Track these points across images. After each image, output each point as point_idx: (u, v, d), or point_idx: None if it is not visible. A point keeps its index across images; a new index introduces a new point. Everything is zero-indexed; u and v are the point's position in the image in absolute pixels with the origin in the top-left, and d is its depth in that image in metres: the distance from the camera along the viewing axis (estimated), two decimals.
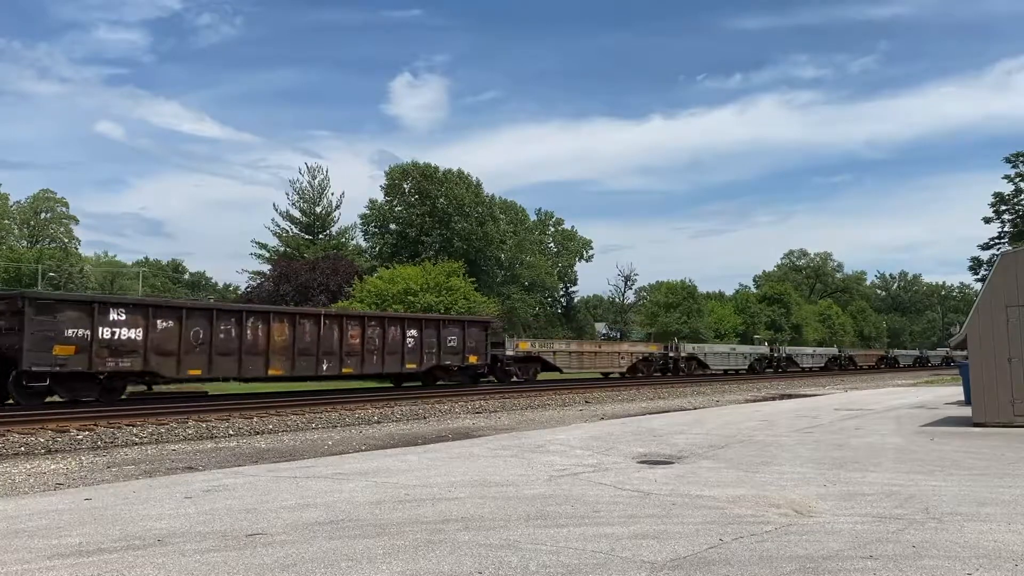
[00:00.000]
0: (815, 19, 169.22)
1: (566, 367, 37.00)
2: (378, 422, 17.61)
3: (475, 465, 9.50)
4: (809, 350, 64.25)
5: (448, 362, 29.25)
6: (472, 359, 30.09)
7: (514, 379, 33.44)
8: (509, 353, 33.37)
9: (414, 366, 27.80)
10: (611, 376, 40.82)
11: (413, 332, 27.82)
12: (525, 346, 35.50)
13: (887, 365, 75.63)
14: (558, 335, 61.29)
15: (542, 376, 36.78)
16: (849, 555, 5.12)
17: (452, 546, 5.38)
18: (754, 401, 24.24)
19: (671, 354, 44.48)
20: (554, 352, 36.60)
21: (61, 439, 13.70)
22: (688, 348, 47.27)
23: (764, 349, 57.09)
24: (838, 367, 65.13)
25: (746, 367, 52.02)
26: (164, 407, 19.10)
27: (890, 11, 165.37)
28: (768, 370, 54.91)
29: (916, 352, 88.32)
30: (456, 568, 4.85)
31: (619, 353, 41.00)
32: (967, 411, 15.09)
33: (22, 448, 12.74)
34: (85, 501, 7.36)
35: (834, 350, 69.03)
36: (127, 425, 15.55)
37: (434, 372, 29.27)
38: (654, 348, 44.32)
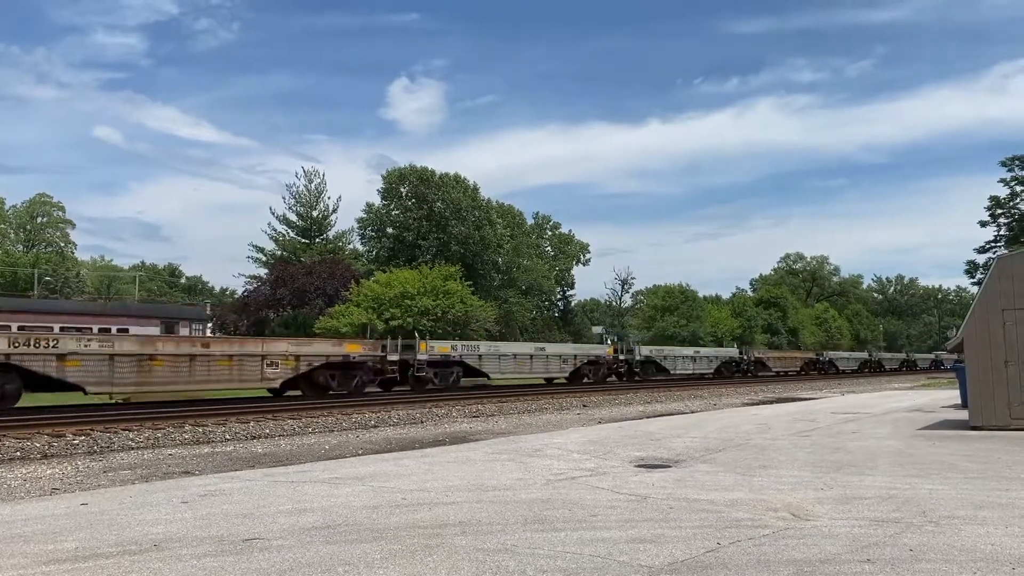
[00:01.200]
0: (812, 23, 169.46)
1: (98, 383, 20.02)
2: (375, 426, 17.59)
3: (472, 469, 9.49)
4: (688, 351, 48.58)
5: None
6: None
7: None
8: None
9: None
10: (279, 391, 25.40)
11: None
12: None
13: (820, 371, 61.40)
14: (555, 337, 61.16)
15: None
16: (847, 559, 5.12)
17: (449, 551, 5.37)
18: (751, 405, 24.26)
19: (393, 356, 28.47)
20: (62, 356, 19.18)
21: (57, 444, 13.65)
22: (441, 347, 30.75)
23: (601, 349, 40.37)
24: (739, 374, 51.38)
25: (565, 375, 36.51)
26: (161, 411, 19.05)
27: (887, 15, 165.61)
28: (611, 379, 39.88)
29: (863, 355, 73.83)
30: (453, 573, 4.84)
31: (264, 357, 23.76)
32: (964, 414, 15.10)
33: (18, 453, 12.70)
34: (81, 506, 7.33)
35: (732, 351, 54.58)
36: (123, 430, 15.52)
37: None
38: (355, 348, 26.88)
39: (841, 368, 65.36)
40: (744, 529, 6.01)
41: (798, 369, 59.50)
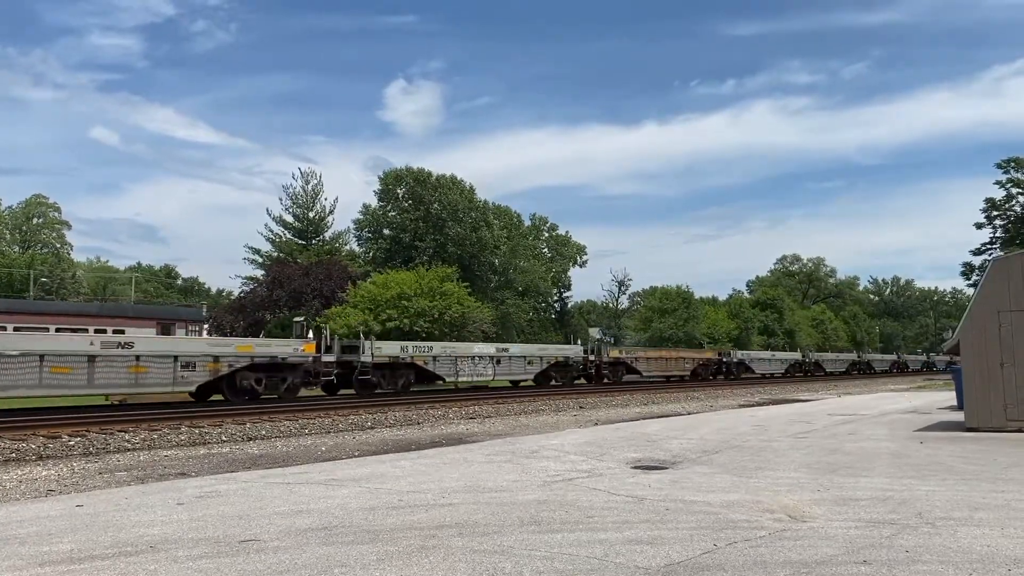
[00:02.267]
0: (808, 25, 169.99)
1: None
2: (371, 427, 17.57)
3: (469, 471, 9.49)
4: (487, 349, 33.84)
5: None
6: None
7: None
8: None
9: None
10: None
11: None
12: None
13: (727, 375, 48.08)
14: (553, 339, 61.14)
15: None
16: (843, 560, 5.12)
17: (446, 552, 5.36)
18: (748, 406, 24.28)
19: None
20: None
21: (53, 445, 13.62)
22: None
23: (289, 347, 25.22)
24: (584, 380, 38.32)
25: (191, 390, 22.72)
26: (157, 413, 19.02)
27: (883, 17, 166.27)
28: (351, 390, 27.89)
29: (794, 356, 58.33)
30: (450, 574, 4.83)
31: None
32: (960, 416, 15.13)
33: (13, 454, 12.67)
34: (77, 508, 7.31)
35: (571, 348, 38.74)
36: (119, 431, 15.49)
37: None
38: None
39: (759, 372, 51.12)
40: (741, 530, 6.01)
41: (687, 374, 44.91)
